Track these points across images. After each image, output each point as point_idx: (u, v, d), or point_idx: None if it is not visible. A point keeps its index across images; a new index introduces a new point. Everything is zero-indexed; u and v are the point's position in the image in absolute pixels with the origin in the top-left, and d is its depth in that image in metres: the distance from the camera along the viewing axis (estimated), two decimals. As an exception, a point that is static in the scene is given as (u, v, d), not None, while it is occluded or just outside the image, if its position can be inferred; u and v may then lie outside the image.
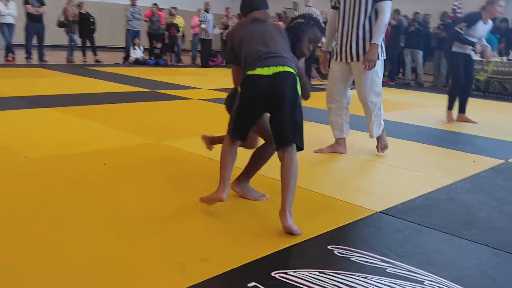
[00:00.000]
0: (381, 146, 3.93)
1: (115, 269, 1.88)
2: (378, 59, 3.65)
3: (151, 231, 2.24)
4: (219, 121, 4.85)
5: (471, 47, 5.70)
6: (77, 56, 11.21)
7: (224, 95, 7.23)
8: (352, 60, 3.72)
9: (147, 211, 2.48)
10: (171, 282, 1.79)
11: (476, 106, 7.40)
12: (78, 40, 11.35)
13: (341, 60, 3.78)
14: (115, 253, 2.01)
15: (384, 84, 10.24)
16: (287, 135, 2.34)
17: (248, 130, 2.49)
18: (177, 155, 3.62)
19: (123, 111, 5.38)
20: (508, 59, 9.15)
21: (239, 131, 2.48)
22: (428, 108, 6.66)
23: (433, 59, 10.82)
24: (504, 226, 2.55)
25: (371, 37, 3.61)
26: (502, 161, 3.96)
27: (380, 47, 3.63)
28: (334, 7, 3.85)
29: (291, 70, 2.35)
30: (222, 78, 9.60)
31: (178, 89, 7.45)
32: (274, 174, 3.15)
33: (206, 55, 12.63)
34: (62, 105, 5.34)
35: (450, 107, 5.93)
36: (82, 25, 11.28)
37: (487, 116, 6.53)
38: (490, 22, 5.73)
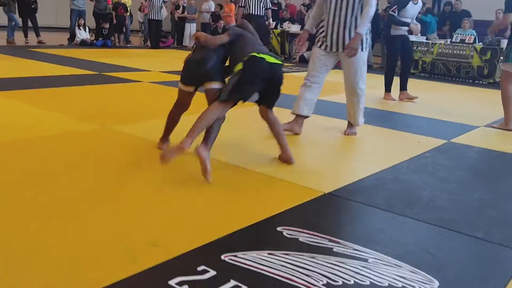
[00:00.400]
0: (350, 132, 4.10)
1: (61, 258, 1.83)
2: (362, 50, 3.82)
3: (97, 218, 2.20)
4: (169, 104, 4.77)
5: (406, 28, 6.15)
6: (18, 37, 10.69)
7: (175, 77, 7.11)
8: (339, 50, 3.88)
9: (94, 198, 2.43)
10: (120, 269, 1.77)
11: (421, 87, 7.65)
12: (19, 20, 10.81)
13: (326, 48, 3.93)
14: (61, 241, 1.96)
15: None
16: (273, 105, 3.12)
17: (248, 97, 2.94)
18: (125, 140, 3.54)
19: (68, 95, 5.19)
20: (452, 42, 9.49)
21: (241, 94, 2.87)
22: (376, 90, 6.80)
23: (381, 41, 11.04)
24: (445, 204, 2.67)
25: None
26: (445, 141, 4.13)
27: (365, 38, 3.80)
28: None
29: (281, 62, 3.01)
30: (173, 60, 9.43)
31: (127, 72, 7.27)
32: (234, 160, 3.15)
33: (155, 36, 12.33)
34: (3, 89, 5.10)
35: (387, 89, 6.33)
36: (22, 4, 10.72)
37: (431, 97, 6.76)
38: (419, 2, 6.19)
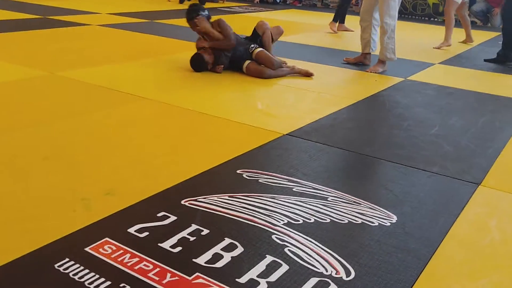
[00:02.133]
0: (373, 69, 4.32)
1: (13, 211, 1.75)
2: None
3: (49, 169, 2.11)
4: (118, 48, 4.58)
5: None
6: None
7: (125, 19, 6.79)
8: None
9: (44, 148, 2.32)
10: (75, 218, 1.71)
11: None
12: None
13: None
14: (14, 194, 1.87)
15: (291, 5, 10.27)
16: None
17: None
18: (75, 86, 3.38)
19: (11, 41, 4.87)
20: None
21: None
22: (328, 28, 6.73)
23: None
24: (401, 141, 2.71)
25: None
26: (401, 79, 4.16)
27: None
28: None
29: None
30: (122, 1, 8.97)
31: (74, 15, 6.87)
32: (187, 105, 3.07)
33: None
34: None
35: (335, 20, 6.69)
36: None
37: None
38: None
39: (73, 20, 6.36)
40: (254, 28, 4.19)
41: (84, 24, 6.11)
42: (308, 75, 3.99)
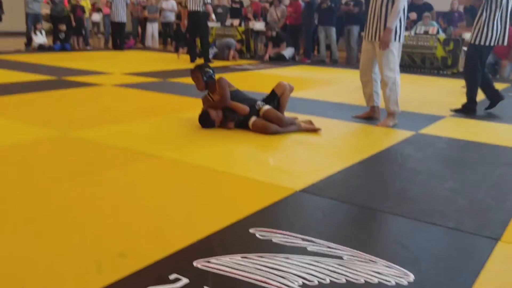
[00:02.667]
0: (383, 123, 4.37)
1: (27, 272, 1.73)
2: (394, 40, 4.19)
3: (62, 230, 2.10)
4: (131, 107, 4.67)
5: None
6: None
7: (138, 79, 6.99)
8: (373, 39, 4.28)
9: (56, 209, 2.32)
10: (88, 281, 1.69)
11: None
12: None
13: (365, 38, 4.40)
14: (26, 256, 1.85)
15: (300, 62, 10.50)
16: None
17: None
18: (86, 146, 3.42)
19: (26, 102, 5.00)
20: (416, 33, 9.63)
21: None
22: (342, 84, 6.86)
23: (344, 35, 11.12)
24: (415, 195, 2.67)
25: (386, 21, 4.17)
26: (413, 132, 4.17)
27: (395, 30, 4.17)
28: None
29: None
30: (136, 61, 9.26)
31: (88, 75, 7.08)
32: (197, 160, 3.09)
33: (121, 38, 12.07)
34: (-44, 98, 4.87)
35: None
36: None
37: (404, 89, 6.84)
38: None
39: (87, 81, 6.55)
40: (273, 89, 4.25)
41: (97, 84, 6.27)
42: (315, 130, 4.00)
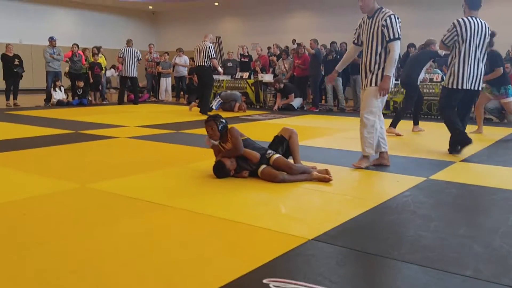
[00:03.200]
0: (358, 164, 4.55)
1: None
2: (371, 85, 4.42)
3: (76, 283, 2.11)
4: (146, 158, 4.76)
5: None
6: (-3, 100, 10.65)
7: (152, 131, 7.12)
8: (365, 87, 4.52)
9: (72, 261, 2.34)
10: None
11: (404, 126, 7.79)
12: (2, 83, 10.93)
13: (362, 87, 4.61)
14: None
15: (308, 111, 10.65)
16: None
17: None
18: (104, 198, 3.48)
19: (45, 156, 5.12)
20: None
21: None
22: (350, 132, 6.90)
23: (350, 84, 11.32)
24: (429, 243, 2.65)
25: (381, 69, 4.39)
26: (423, 178, 4.16)
27: (376, 75, 4.41)
28: (354, 43, 4.81)
29: None
30: (150, 114, 9.47)
31: (104, 128, 7.25)
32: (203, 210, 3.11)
33: (135, 93, 12.46)
34: (-24, 153, 5.00)
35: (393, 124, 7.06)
36: (6, 67, 10.88)
37: (405, 136, 6.88)
38: None
39: (103, 134, 6.70)
40: (279, 134, 4.35)
41: (113, 137, 6.41)
42: (326, 181, 3.98)
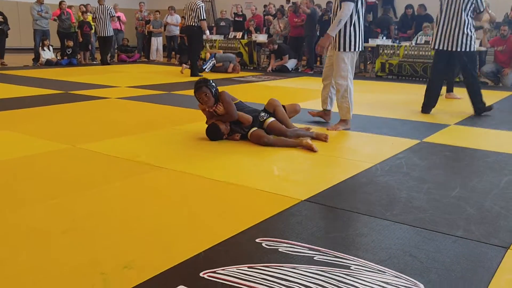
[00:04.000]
0: (334, 127, 4.59)
1: (32, 284, 1.72)
2: (345, 50, 4.47)
3: (68, 243, 2.10)
4: (137, 119, 4.71)
5: None
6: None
7: (142, 92, 7.02)
8: (333, 48, 4.59)
9: (63, 221, 2.32)
10: (92, 295, 1.68)
11: (389, 89, 7.74)
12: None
13: (332, 47, 4.64)
14: (31, 270, 1.85)
15: (303, 73, 10.53)
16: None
17: None
18: (94, 158, 3.43)
19: (34, 116, 5.04)
20: (417, 43, 9.66)
21: None
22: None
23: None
24: (422, 204, 2.66)
25: (345, 31, 4.45)
26: (417, 141, 4.15)
27: (347, 40, 4.44)
28: None
29: None
30: (140, 75, 9.31)
31: (94, 89, 7.13)
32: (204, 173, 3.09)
33: (104, 53, 11.86)
34: (-37, 113, 4.91)
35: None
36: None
37: (400, 98, 6.84)
38: None
39: (94, 94, 6.59)
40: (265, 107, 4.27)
41: (104, 98, 6.31)
42: (312, 150, 3.74)
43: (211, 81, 4.09)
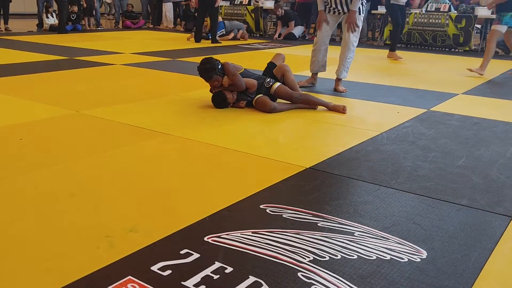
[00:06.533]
0: (343, 89, 4.85)
1: (36, 250, 1.75)
2: (360, 14, 4.71)
3: (74, 206, 2.11)
4: (141, 86, 4.68)
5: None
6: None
7: (147, 58, 6.97)
8: (341, 13, 4.79)
9: (70, 185, 2.34)
10: (99, 256, 1.70)
11: (409, 56, 7.64)
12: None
13: (334, 13, 4.81)
14: (36, 233, 1.87)
15: (310, 41, 10.38)
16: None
17: None
18: (98, 124, 3.43)
19: (40, 82, 5.02)
20: (427, 11, 9.46)
21: None
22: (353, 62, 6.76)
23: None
24: (428, 173, 2.65)
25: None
26: (424, 110, 4.11)
27: (361, 5, 4.67)
28: None
29: None
30: (146, 41, 9.22)
31: (99, 55, 7.07)
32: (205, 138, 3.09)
33: (60, 19, 10.63)
34: (-32, 78, 4.89)
35: (393, 49, 7.52)
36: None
37: (409, 67, 6.75)
38: None
39: (98, 60, 6.54)
40: (272, 70, 4.23)
41: (108, 64, 6.27)
42: (341, 112, 3.94)
43: (214, 60, 3.92)
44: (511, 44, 6.41)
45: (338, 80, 4.91)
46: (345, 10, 4.72)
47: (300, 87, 4.52)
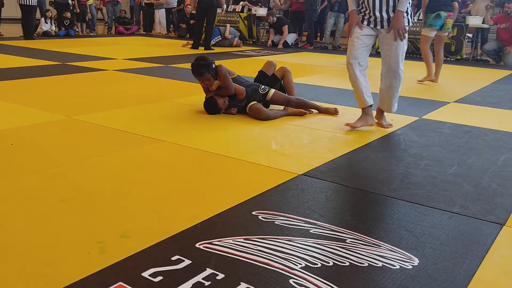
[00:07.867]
0: (387, 123, 3.80)
1: (27, 255, 1.72)
2: (407, 24, 3.51)
3: (65, 212, 2.09)
4: (134, 92, 4.67)
5: None
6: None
7: (140, 64, 6.96)
8: (381, 27, 3.55)
9: (61, 191, 2.32)
10: (90, 262, 1.68)
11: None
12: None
13: (368, 24, 3.58)
14: (28, 237, 1.85)
15: (303, 48, 10.43)
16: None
17: None
18: (90, 129, 3.41)
19: (31, 87, 4.99)
20: (419, 19, 9.54)
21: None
22: (345, 70, 6.80)
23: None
24: (419, 180, 2.65)
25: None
26: (416, 118, 4.13)
27: (408, 13, 3.51)
28: None
29: None
30: (138, 47, 9.21)
31: (91, 61, 7.05)
32: (197, 145, 3.08)
33: (27, 26, 10.01)
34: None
35: None
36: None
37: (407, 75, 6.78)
38: None
39: (91, 66, 6.52)
40: (273, 72, 4.27)
41: (101, 70, 6.25)
42: (301, 114, 4.04)
43: (208, 60, 3.96)
44: (437, 49, 6.20)
45: (381, 113, 3.83)
46: (386, 23, 3.52)
47: (354, 127, 3.64)
